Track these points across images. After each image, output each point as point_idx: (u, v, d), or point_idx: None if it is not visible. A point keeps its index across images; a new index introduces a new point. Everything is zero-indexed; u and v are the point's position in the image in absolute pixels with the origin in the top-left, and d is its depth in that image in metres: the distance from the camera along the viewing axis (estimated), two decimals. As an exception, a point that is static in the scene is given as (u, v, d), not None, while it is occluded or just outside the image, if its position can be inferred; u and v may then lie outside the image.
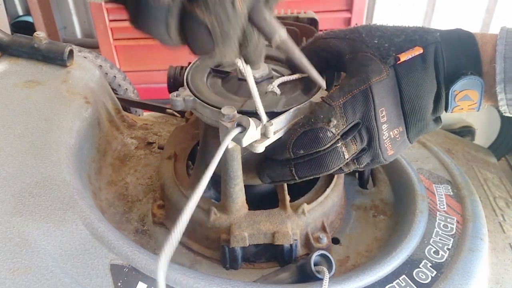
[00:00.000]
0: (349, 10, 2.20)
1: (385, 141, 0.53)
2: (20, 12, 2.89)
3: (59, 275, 0.49)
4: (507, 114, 0.55)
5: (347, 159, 0.53)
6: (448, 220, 0.64)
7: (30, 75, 0.75)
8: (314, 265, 0.53)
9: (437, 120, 0.57)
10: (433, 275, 0.55)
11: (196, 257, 0.61)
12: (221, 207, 0.59)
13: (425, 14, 2.47)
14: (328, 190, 0.63)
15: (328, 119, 0.51)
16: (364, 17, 2.26)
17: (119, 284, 0.49)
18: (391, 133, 0.53)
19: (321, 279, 0.51)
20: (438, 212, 0.64)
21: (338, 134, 0.51)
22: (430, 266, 0.56)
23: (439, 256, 0.58)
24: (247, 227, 0.58)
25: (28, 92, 0.71)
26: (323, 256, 0.54)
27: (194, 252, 0.62)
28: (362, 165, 0.55)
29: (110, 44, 2.24)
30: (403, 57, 0.53)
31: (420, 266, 0.56)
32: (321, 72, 0.61)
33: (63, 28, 2.84)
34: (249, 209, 0.60)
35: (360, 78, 0.52)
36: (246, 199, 0.59)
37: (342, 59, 0.56)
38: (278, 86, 0.59)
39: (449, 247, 0.59)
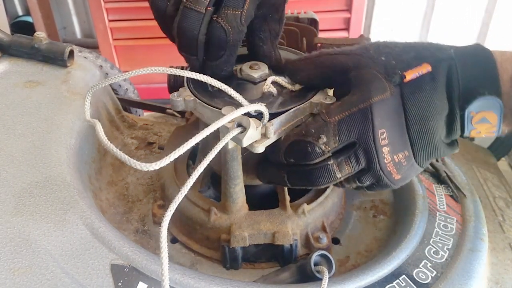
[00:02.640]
0: (349, 10, 2.20)
1: (388, 164, 0.49)
2: (20, 12, 2.88)
3: (60, 275, 0.49)
4: None
5: (340, 178, 0.51)
6: (448, 220, 0.64)
7: (30, 75, 0.75)
8: (314, 265, 0.53)
9: (453, 144, 0.53)
10: (433, 275, 0.55)
11: (196, 257, 0.62)
12: (221, 207, 0.59)
13: (425, 14, 2.47)
14: (328, 190, 0.63)
15: (318, 135, 0.49)
16: (363, 17, 2.26)
17: (120, 284, 0.49)
18: (394, 157, 0.49)
19: (321, 279, 0.51)
20: (438, 212, 0.65)
21: (328, 152, 0.49)
22: (430, 266, 0.57)
23: (439, 256, 0.58)
24: (247, 227, 0.58)
25: (28, 92, 0.71)
26: (323, 256, 0.54)
27: (194, 252, 0.62)
28: (365, 185, 0.52)
29: (110, 44, 2.24)
30: (409, 74, 0.49)
31: (420, 266, 0.56)
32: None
33: (62, 28, 2.84)
34: (249, 209, 0.60)
35: (361, 96, 0.49)
36: (246, 199, 0.59)
37: (348, 76, 0.52)
38: (280, 86, 0.59)
39: (449, 247, 0.59)
